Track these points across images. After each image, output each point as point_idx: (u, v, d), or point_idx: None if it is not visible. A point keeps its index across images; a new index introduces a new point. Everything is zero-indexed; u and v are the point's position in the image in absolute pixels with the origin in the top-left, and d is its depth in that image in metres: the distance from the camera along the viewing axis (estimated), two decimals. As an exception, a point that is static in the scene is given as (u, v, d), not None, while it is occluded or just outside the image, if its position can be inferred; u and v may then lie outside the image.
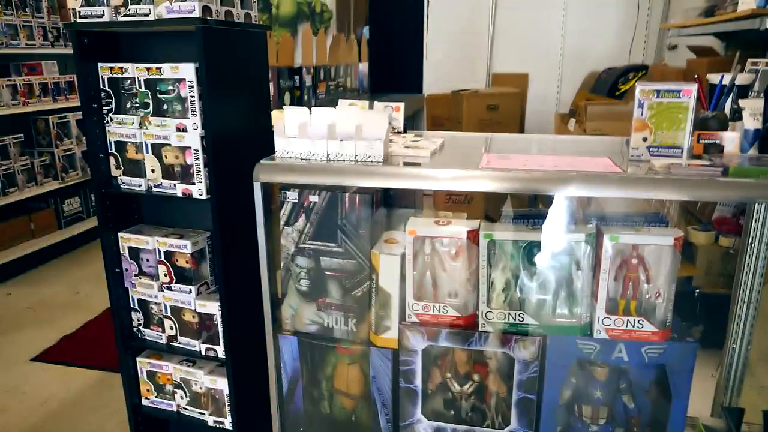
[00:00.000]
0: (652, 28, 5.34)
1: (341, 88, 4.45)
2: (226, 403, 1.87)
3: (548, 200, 1.40)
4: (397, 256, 1.46)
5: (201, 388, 1.91)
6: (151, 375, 1.97)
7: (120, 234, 1.85)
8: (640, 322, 1.36)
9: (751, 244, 1.85)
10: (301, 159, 1.44)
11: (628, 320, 1.36)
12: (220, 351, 1.82)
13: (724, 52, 3.58)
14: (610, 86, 4.42)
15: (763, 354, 2.02)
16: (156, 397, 1.99)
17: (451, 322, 1.47)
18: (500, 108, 4.67)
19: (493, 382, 1.52)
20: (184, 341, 1.88)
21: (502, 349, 1.45)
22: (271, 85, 3.00)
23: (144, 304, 1.91)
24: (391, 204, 1.68)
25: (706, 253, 2.90)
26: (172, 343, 1.90)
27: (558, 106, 5.61)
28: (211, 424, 1.91)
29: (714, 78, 1.62)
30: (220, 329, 1.79)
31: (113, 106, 1.74)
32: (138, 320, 1.93)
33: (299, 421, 1.67)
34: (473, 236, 1.41)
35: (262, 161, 1.44)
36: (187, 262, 1.80)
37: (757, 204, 1.82)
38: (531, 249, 1.40)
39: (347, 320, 1.56)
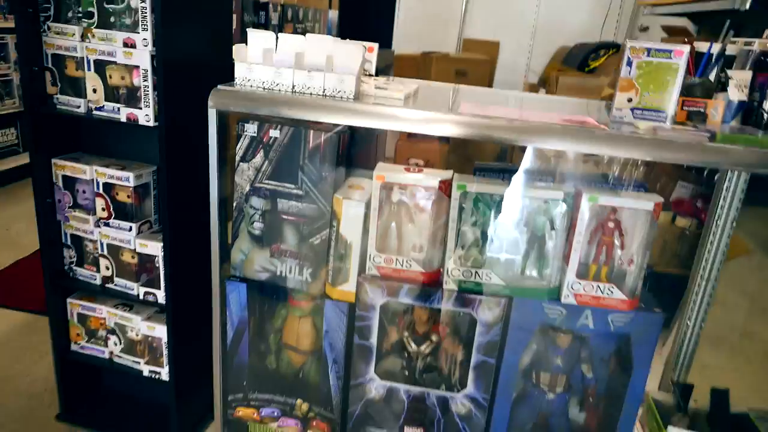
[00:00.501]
0: (626, 8, 5.31)
1: (308, 33, 4.22)
2: (164, 353, 1.74)
3: (523, 158, 1.32)
4: (361, 202, 1.35)
5: (137, 335, 1.77)
6: (83, 318, 1.82)
7: (54, 160, 1.66)
8: (610, 289, 1.30)
9: (717, 221, 1.83)
10: (264, 88, 1.30)
11: (598, 286, 1.30)
12: (160, 296, 1.68)
13: (696, 34, 3.57)
14: (581, 61, 4.38)
15: (707, 334, 2.03)
16: (87, 342, 1.84)
17: (414, 277, 1.38)
18: (469, 74, 4.57)
19: (452, 344, 1.45)
20: (120, 283, 1.73)
21: (465, 309, 1.38)
22: (234, 17, 2.79)
23: (78, 241, 1.74)
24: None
25: (662, 233, 2.92)
26: (107, 285, 1.75)
27: (527, 76, 5.55)
28: (146, 373, 1.78)
29: (702, 46, 1.55)
30: (162, 272, 1.65)
31: (52, 12, 1.53)
32: (70, 258, 1.76)
33: (242, 375, 1.57)
34: (445, 187, 1.31)
35: (219, 86, 1.29)
36: (128, 197, 1.64)
37: (727, 180, 1.79)
38: (504, 204, 1.31)
39: (302, 269, 1.45)
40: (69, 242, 1.74)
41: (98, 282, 1.75)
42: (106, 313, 1.77)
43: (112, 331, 1.79)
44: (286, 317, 1.56)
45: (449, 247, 1.35)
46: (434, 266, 1.38)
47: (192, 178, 1.61)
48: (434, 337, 1.46)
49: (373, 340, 1.44)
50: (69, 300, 1.81)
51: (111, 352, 1.82)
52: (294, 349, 1.58)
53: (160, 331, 1.72)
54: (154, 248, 1.65)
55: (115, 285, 1.73)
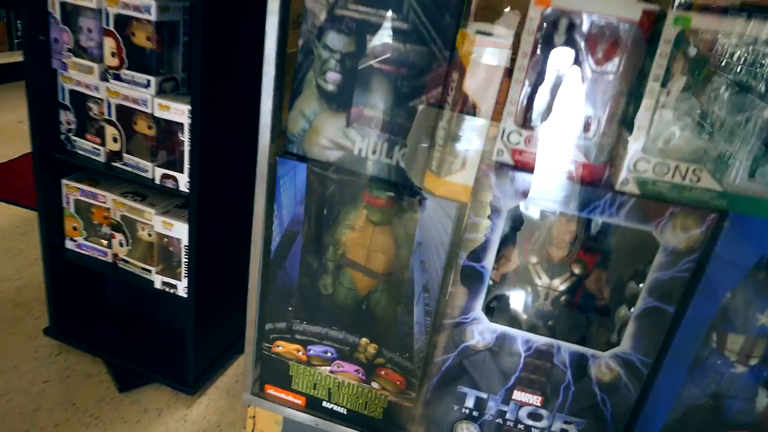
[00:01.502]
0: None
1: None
2: (183, 260, 1.30)
3: None
4: (506, 41, 0.86)
5: (150, 234, 1.34)
6: (81, 208, 1.38)
7: (49, -19, 1.20)
8: None
9: None
10: None
11: None
12: (183, 181, 1.23)
13: None
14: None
15: None
16: (86, 239, 1.41)
17: (569, 170, 0.90)
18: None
19: (604, 280, 0.98)
20: (131, 162, 1.28)
21: (643, 226, 0.89)
22: None
23: (79, 101, 1.28)
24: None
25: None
26: (114, 163, 1.30)
27: None
28: (158, 285, 1.35)
29: None
30: (187, 149, 1.19)
31: None
32: (68, 124, 1.32)
33: (287, 297, 1.12)
34: (649, 22, 0.81)
35: None
36: (148, 39, 1.17)
37: None
38: (745, 61, 0.80)
39: (391, 147, 0.98)
40: (67, 101, 1.29)
41: (102, 158, 1.30)
42: (110, 202, 1.34)
43: (118, 227, 1.36)
44: (354, 221, 1.09)
45: (639, 124, 0.85)
46: (602, 157, 0.89)
47: (236, 15, 1.13)
48: (577, 269, 0.98)
49: (488, 263, 0.97)
50: (64, 182, 1.37)
51: (115, 255, 1.39)
52: (363, 269, 1.12)
53: (179, 231, 1.28)
54: (179, 114, 1.19)
55: (125, 164, 1.29)
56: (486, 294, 0.99)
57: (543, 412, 1.04)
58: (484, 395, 1.06)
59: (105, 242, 1.38)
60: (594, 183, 0.90)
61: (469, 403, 1.08)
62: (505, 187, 0.91)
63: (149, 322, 1.57)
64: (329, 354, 1.14)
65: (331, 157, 0.99)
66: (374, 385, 1.13)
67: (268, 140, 0.99)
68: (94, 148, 1.30)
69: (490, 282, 0.99)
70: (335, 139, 0.99)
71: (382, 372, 1.11)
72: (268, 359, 1.18)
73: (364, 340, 1.11)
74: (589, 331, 1.00)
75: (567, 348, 0.99)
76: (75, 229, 1.41)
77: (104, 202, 1.34)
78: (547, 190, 0.91)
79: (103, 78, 1.22)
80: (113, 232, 1.37)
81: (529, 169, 0.91)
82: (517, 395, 1.04)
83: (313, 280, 1.16)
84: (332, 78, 0.96)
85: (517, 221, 0.95)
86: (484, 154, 0.91)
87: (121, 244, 1.37)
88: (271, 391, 1.21)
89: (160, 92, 1.20)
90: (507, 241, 0.97)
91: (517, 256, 0.99)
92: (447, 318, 1.02)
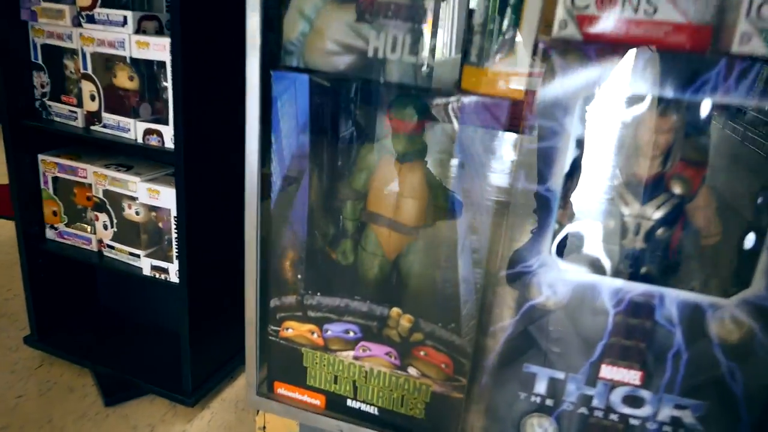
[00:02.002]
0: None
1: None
2: (173, 236, 1.08)
3: None
4: None
5: (137, 212, 1.13)
6: (62, 188, 1.19)
7: None
8: None
9: None
10: None
11: None
12: (169, 136, 1.02)
13: None
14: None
15: None
16: (67, 226, 1.21)
17: (661, 38, 0.65)
18: None
19: (714, 202, 0.72)
20: (111, 122, 1.08)
21: (776, 106, 0.63)
22: None
23: (53, 57, 1.11)
24: None
25: None
26: (93, 126, 1.11)
27: None
28: (147, 272, 1.13)
29: None
30: (171, 101, 0.98)
31: None
32: (42, 87, 1.14)
33: (294, 262, 0.88)
34: None
35: None
36: (123, -29, 0.99)
37: None
38: None
39: (416, 41, 0.75)
40: (40, 60, 1.12)
41: (80, 123, 1.11)
42: (91, 176, 1.14)
43: (101, 206, 1.15)
44: (376, 160, 0.87)
45: (761, -50, 0.61)
46: (708, 14, 0.64)
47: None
48: (678, 186, 0.72)
49: (555, 183, 0.72)
50: (41, 157, 1.18)
51: (100, 241, 1.19)
52: (391, 224, 0.89)
53: (167, 199, 1.06)
54: (160, 50, 0.99)
55: (104, 125, 1.09)
56: (556, 229, 0.74)
57: (644, 393, 0.76)
58: (561, 375, 0.78)
59: (89, 228, 1.17)
60: (699, 52, 0.65)
61: (540, 387, 0.80)
62: (574, 72, 0.67)
63: (143, 326, 1.34)
64: (352, 334, 0.89)
65: (340, 64, 0.77)
66: (412, 371, 0.86)
67: (258, 49, 0.77)
68: (71, 111, 1.11)
69: (560, 212, 0.73)
70: (344, 39, 0.76)
71: (421, 352, 0.85)
72: (277, 347, 0.93)
73: (396, 310, 0.85)
74: (703, 270, 0.73)
75: (673, 297, 0.72)
76: (55, 214, 1.21)
77: (85, 177, 1.15)
78: (631, 69, 0.66)
79: (76, 23, 1.04)
80: (96, 213, 1.16)
81: (605, 44, 0.66)
82: (607, 371, 0.77)
83: (328, 246, 0.93)
84: (336, -43, 0.74)
85: (592, 122, 0.70)
86: (542, 28, 0.68)
87: (105, 227, 1.16)
88: (282, 390, 0.96)
89: (139, 30, 1.01)
90: (580, 152, 0.72)
91: (594, 175, 0.74)
92: (504, 267, 0.76)
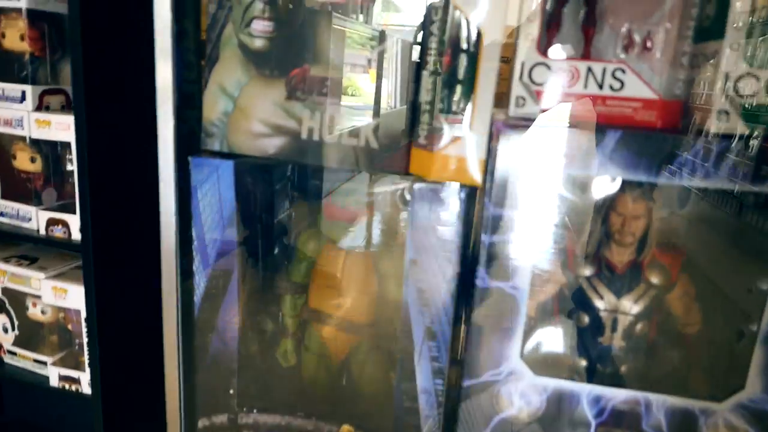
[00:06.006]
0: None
1: None
2: (85, 339, 0.93)
3: None
4: None
5: (43, 312, 0.97)
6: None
7: None
8: None
9: None
10: None
11: None
12: (75, 225, 0.88)
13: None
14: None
15: None
16: (-38, 331, 1.04)
17: (629, 113, 0.58)
18: None
19: (696, 289, 0.64)
20: (9, 210, 0.94)
21: (761, 187, 0.57)
22: None
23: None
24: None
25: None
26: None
27: None
28: (54, 382, 0.97)
29: None
30: (77, 182, 0.85)
31: None
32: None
33: (224, 375, 0.75)
34: None
35: None
36: (22, 38, 0.87)
37: None
38: None
39: (349, 117, 0.66)
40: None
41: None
42: (-10, 272, 0.98)
43: (0, 305, 0.99)
44: (318, 249, 0.76)
45: (732, 23, 0.55)
46: (678, 86, 0.58)
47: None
48: (656, 277, 0.65)
49: (521, 281, 0.63)
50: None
51: (0, 346, 1.02)
52: (337, 322, 0.77)
53: (76, 298, 0.91)
54: (64, 129, 0.86)
55: (1, 213, 0.94)
56: (524, 333, 0.64)
57: None
58: (541, 498, 0.67)
59: (-14, 331, 1.00)
60: (670, 129, 0.58)
61: None
62: (534, 152, 0.59)
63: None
64: (295, 456, 0.75)
65: (269, 147, 0.67)
66: (367, 498, 0.73)
67: (171, 131, 0.66)
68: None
69: (528, 314, 0.64)
70: (273, 119, 0.66)
71: (378, 476, 0.73)
72: (206, 475, 0.78)
73: (347, 428, 0.73)
74: (690, 369, 0.65)
75: (660, 403, 0.63)
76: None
77: (-19, 274, 0.98)
78: (597, 150, 0.59)
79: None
80: (-6, 313, 1.00)
81: (568, 120, 0.59)
82: (592, 491, 0.66)
83: (264, 347, 0.81)
84: (261, 29, 0.65)
85: (557, 209, 0.62)
86: (498, 106, 0.60)
87: (5, 330, 1.00)
88: None
89: (43, 109, 0.88)
90: (548, 242, 0.63)
91: (561, 268, 0.65)
92: (468, 377, 0.66)
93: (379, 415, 0.71)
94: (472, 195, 0.61)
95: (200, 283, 0.72)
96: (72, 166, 0.87)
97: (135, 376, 0.94)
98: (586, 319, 0.66)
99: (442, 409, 0.67)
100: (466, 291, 0.63)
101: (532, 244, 0.61)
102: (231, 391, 0.76)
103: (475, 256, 0.62)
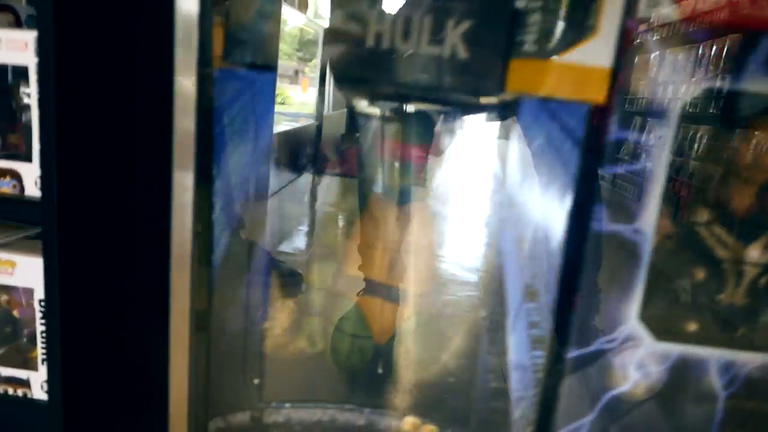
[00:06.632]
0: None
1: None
2: (40, 331, 0.72)
3: None
4: None
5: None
6: None
7: None
8: None
9: None
10: None
11: None
12: (31, 178, 0.68)
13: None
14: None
15: None
16: None
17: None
18: None
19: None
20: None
21: None
22: None
23: None
24: None
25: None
26: None
27: None
28: (-5, 390, 0.74)
29: None
30: (35, 114, 0.65)
31: None
32: None
33: (246, 359, 0.59)
34: None
35: None
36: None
37: None
38: None
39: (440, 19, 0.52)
40: None
41: None
42: None
43: None
44: (367, 202, 0.61)
45: None
46: None
47: None
48: (787, 218, 0.55)
49: (646, 221, 0.51)
50: None
51: None
52: (384, 291, 0.63)
53: (28, 274, 0.70)
54: (20, 49, 0.66)
55: None
56: (645, 290, 0.52)
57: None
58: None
59: None
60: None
61: None
62: (674, 63, 0.47)
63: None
64: (340, 460, 0.59)
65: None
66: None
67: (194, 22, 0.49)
68: None
69: (651, 266, 0.52)
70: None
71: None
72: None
73: (411, 420, 0.58)
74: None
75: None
76: None
77: None
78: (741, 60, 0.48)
79: None
80: None
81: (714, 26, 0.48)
82: (715, 478, 0.55)
83: (292, 327, 0.65)
84: None
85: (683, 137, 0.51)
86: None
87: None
88: None
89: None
90: (668, 181, 0.52)
91: (684, 209, 0.54)
92: (577, 346, 0.53)
93: (454, 402, 0.57)
94: (594, 114, 0.49)
95: (221, 237, 0.55)
96: (27, 100, 0.66)
97: (111, 372, 0.73)
98: (703, 271, 0.55)
99: (541, 388, 0.54)
100: (579, 236, 0.50)
101: (659, 179, 0.50)
102: (255, 381, 0.59)
103: (591, 191, 0.50)
